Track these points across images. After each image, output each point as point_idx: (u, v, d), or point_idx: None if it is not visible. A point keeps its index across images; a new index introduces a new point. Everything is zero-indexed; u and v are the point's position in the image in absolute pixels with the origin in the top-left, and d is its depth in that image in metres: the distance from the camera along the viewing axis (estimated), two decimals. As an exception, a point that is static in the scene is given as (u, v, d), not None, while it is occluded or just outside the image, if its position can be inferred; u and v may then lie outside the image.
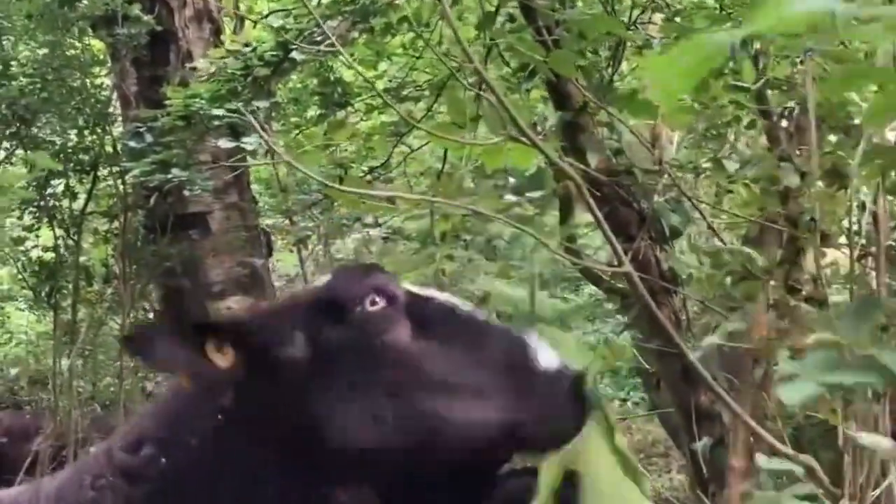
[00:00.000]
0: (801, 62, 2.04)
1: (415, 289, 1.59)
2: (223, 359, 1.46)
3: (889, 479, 2.35)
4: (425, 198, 2.46)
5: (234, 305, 6.91)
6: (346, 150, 6.10)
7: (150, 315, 7.13)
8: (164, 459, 1.48)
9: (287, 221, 7.10)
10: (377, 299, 1.50)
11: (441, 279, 3.12)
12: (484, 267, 3.42)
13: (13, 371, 9.30)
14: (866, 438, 2.06)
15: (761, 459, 1.67)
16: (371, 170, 6.25)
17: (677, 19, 2.99)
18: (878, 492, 2.34)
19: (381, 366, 1.47)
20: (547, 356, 1.50)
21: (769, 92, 2.26)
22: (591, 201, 2.21)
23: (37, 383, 8.84)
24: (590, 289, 4.91)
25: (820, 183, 2.73)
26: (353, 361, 1.48)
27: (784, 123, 2.90)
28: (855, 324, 1.43)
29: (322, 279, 1.66)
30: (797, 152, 2.66)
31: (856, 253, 2.33)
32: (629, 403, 10.16)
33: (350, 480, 1.53)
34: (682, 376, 2.75)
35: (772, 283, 2.79)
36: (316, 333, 1.50)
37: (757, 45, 1.69)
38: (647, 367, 3.86)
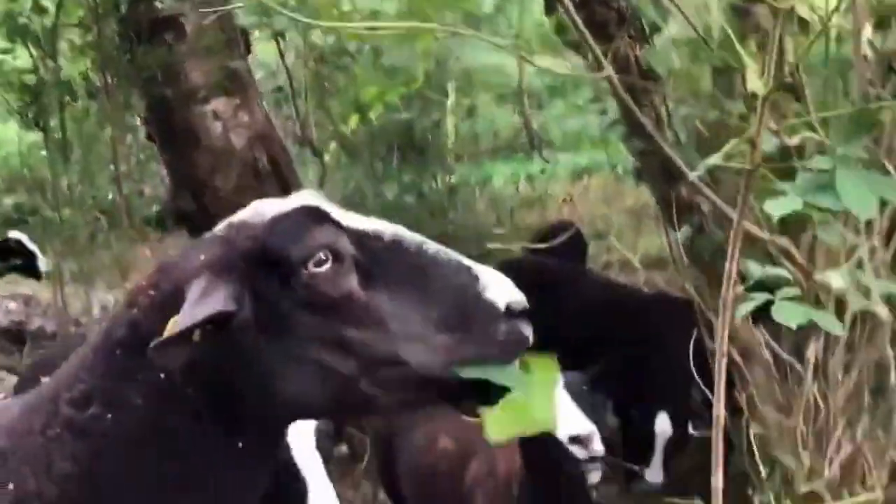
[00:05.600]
0: None
1: (363, 225, 1.51)
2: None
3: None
4: (401, 25, 2.44)
5: (220, 108, 6.91)
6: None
7: (139, 122, 7.15)
8: (109, 416, 1.47)
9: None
10: (324, 258, 1.44)
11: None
12: (469, 41, 3.31)
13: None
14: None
15: (751, 266, 1.80)
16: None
17: None
18: (849, 264, 2.52)
19: (330, 322, 1.44)
20: (496, 289, 1.44)
21: None
22: (568, 3, 2.20)
23: (34, 192, 8.96)
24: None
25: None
26: (301, 320, 1.45)
27: None
28: (848, 134, 1.53)
29: (250, 208, 1.59)
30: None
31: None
32: (619, 169, 10.36)
33: (285, 425, 1.61)
34: (662, 171, 2.84)
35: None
36: (260, 291, 1.45)
37: None
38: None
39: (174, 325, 1.37)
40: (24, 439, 1.51)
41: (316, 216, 1.48)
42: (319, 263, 1.43)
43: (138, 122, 7.14)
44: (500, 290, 1.43)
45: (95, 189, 6.92)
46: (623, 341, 5.27)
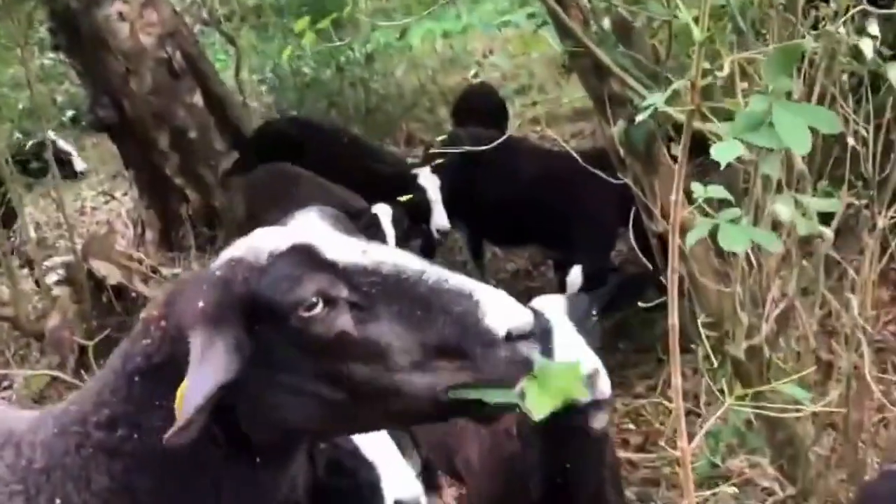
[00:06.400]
0: None
1: (360, 259, 1.52)
2: None
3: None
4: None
5: (125, 9, 6.66)
6: None
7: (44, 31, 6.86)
8: (136, 436, 1.58)
9: None
10: (315, 302, 1.47)
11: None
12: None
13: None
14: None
15: (696, 187, 1.90)
16: None
17: None
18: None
19: (325, 360, 1.50)
20: (495, 315, 1.45)
21: None
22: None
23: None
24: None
25: None
26: (298, 359, 1.51)
27: None
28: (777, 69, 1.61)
29: (250, 241, 1.58)
30: None
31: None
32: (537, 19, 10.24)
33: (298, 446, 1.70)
34: (593, 68, 2.91)
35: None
36: (257, 331, 1.51)
37: None
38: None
39: (182, 400, 1.43)
40: (63, 458, 1.62)
41: (309, 259, 1.51)
42: (310, 308, 1.47)
43: (43, 32, 6.88)
44: (500, 316, 1.44)
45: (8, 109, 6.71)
46: (548, 206, 5.56)
